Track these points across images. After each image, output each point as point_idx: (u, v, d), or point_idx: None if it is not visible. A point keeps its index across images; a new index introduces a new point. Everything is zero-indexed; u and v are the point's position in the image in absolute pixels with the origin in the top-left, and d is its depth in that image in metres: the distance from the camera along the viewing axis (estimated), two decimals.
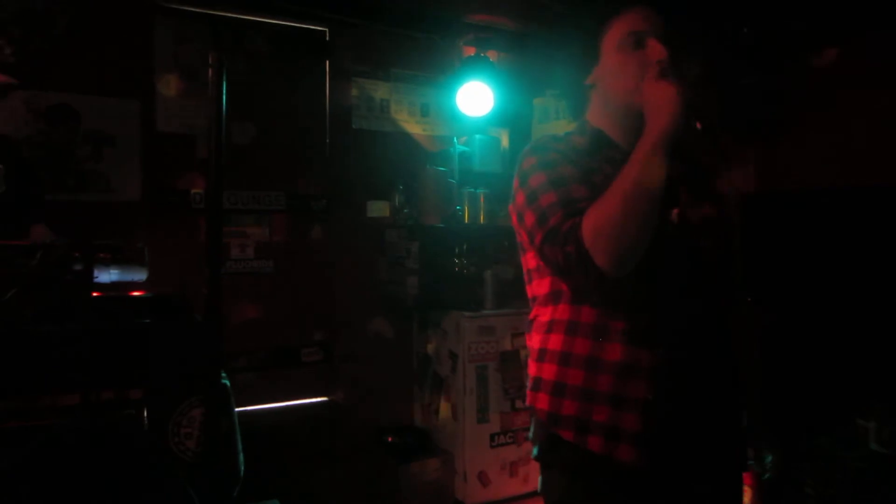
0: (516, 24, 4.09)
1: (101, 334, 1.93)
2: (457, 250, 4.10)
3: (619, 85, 1.55)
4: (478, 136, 4.31)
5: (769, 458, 2.93)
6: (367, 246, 4.04)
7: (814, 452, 2.92)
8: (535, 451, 1.63)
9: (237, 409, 2.27)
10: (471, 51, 4.15)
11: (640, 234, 1.36)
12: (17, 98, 2.65)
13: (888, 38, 3.17)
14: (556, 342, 1.56)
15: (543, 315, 1.62)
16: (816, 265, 3.22)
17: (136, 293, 2.15)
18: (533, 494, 3.94)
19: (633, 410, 1.46)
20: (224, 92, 1.95)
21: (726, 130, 3.03)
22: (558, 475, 1.58)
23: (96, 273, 1.97)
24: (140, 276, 2.14)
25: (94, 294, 1.99)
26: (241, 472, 2.19)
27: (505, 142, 4.49)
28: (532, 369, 1.63)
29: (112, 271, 2.02)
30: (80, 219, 3.10)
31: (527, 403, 1.64)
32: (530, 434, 1.67)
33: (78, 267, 1.89)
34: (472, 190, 4.13)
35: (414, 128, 4.20)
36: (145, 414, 1.95)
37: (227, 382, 2.17)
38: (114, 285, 2.06)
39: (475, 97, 4.03)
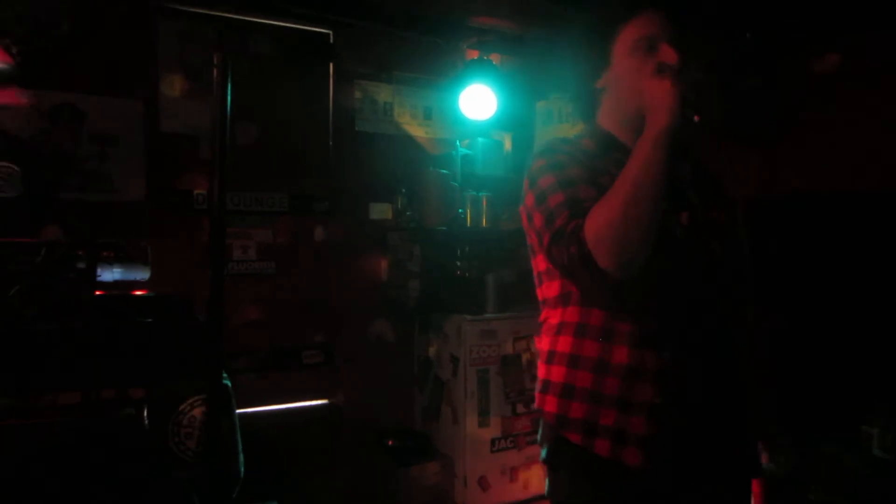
0: (520, 27, 4.09)
1: (103, 333, 1.92)
2: (459, 253, 4.09)
3: (630, 88, 1.55)
4: (481, 140, 4.31)
5: (781, 460, 2.93)
6: (369, 248, 4.03)
7: (817, 457, 2.92)
8: (543, 453, 1.64)
9: (238, 411, 2.27)
10: (474, 54, 4.15)
11: (642, 235, 1.36)
12: (20, 97, 2.65)
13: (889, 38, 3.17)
14: (564, 344, 1.57)
15: (553, 317, 1.64)
16: (821, 269, 3.22)
17: (138, 292, 2.15)
18: (533, 500, 3.94)
19: (639, 414, 1.46)
20: (229, 93, 1.95)
21: (729, 134, 3.03)
22: (565, 478, 1.59)
23: (99, 271, 1.97)
24: (143, 275, 2.14)
25: (97, 293, 1.99)
26: (241, 473, 2.18)
27: (508, 145, 4.49)
28: (541, 371, 1.64)
29: (115, 270, 2.02)
30: (84, 218, 3.10)
31: (535, 406, 1.65)
32: (538, 436, 1.68)
33: (81, 265, 1.89)
34: (475, 193, 4.13)
35: (417, 130, 4.20)
36: (146, 413, 1.94)
37: (229, 383, 2.16)
38: (116, 284, 2.05)
39: (478, 100, 4.03)
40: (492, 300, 3.97)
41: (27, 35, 2.92)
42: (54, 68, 3.11)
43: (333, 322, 3.88)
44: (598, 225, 1.36)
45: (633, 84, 1.54)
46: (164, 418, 1.99)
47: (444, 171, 4.06)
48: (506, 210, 4.20)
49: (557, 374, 1.58)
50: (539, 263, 1.68)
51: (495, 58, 4.20)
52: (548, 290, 1.66)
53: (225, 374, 2.12)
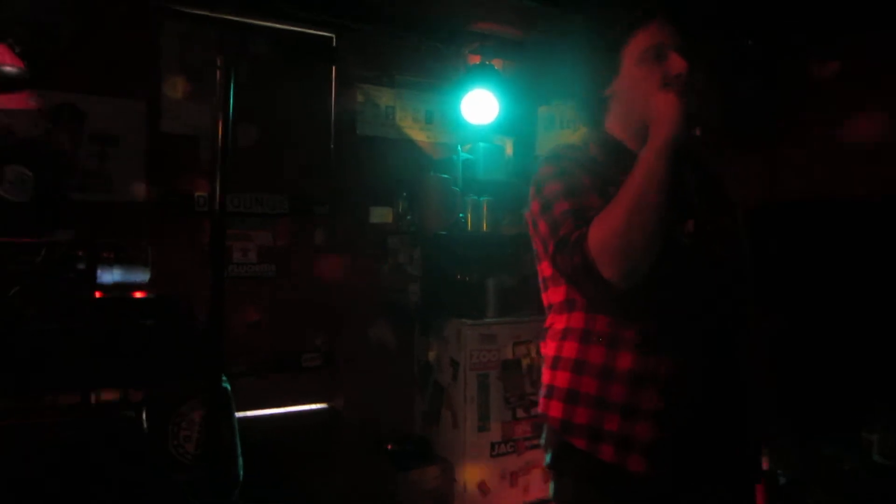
0: (522, 32, 4.09)
1: (103, 334, 1.92)
2: (459, 257, 4.09)
3: (640, 97, 1.56)
4: (482, 144, 4.31)
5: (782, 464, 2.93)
6: (370, 252, 4.03)
7: (817, 461, 2.91)
8: (547, 458, 1.64)
9: (237, 414, 2.26)
10: (476, 59, 4.15)
11: (645, 245, 1.36)
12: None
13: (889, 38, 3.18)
14: (569, 350, 1.58)
15: (558, 323, 1.64)
16: (822, 273, 3.22)
17: (138, 294, 2.14)
18: None
19: (644, 420, 1.47)
20: (231, 95, 1.95)
21: (729, 136, 3.03)
22: (570, 483, 1.59)
23: (99, 273, 1.97)
24: (143, 277, 2.14)
25: (97, 294, 1.98)
26: (240, 477, 2.18)
27: (509, 150, 4.48)
28: (546, 377, 1.64)
29: (115, 271, 2.02)
30: (83, 218, 3.09)
31: (539, 411, 1.65)
32: (542, 441, 1.68)
33: (81, 266, 1.89)
34: (476, 198, 4.12)
35: (418, 135, 4.20)
36: (145, 416, 1.94)
37: (228, 386, 2.16)
38: (116, 286, 2.05)
39: (480, 105, 4.03)
40: (492, 304, 3.96)
41: (28, 35, 2.92)
42: (55, 68, 3.11)
43: (333, 325, 3.87)
44: (602, 235, 1.37)
45: (641, 93, 1.55)
46: (163, 421, 1.99)
47: (445, 176, 4.05)
48: (507, 215, 4.19)
49: (562, 379, 1.58)
50: (544, 269, 1.69)
51: (497, 63, 4.20)
52: (553, 295, 1.67)
53: (224, 377, 2.12)
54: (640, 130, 1.56)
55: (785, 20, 3.25)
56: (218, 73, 1.96)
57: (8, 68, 2.50)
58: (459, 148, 4.25)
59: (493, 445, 3.79)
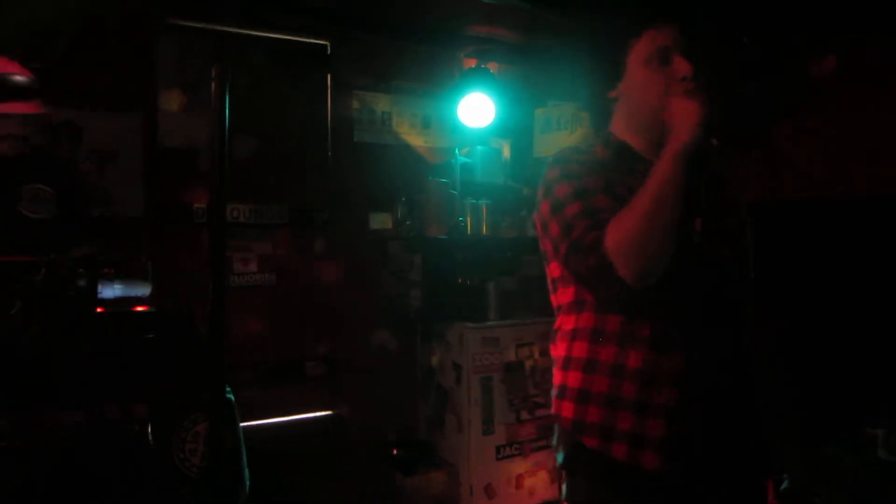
0: (517, 35, 4.10)
1: (105, 350, 1.92)
2: (459, 261, 4.09)
3: (645, 99, 1.59)
4: (479, 148, 4.31)
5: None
6: (370, 258, 4.03)
7: (822, 460, 2.91)
8: (559, 458, 1.66)
9: (241, 425, 2.26)
10: (471, 62, 4.16)
11: (662, 246, 1.40)
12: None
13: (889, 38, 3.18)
14: (580, 350, 1.59)
15: (567, 323, 1.65)
16: (824, 273, 3.22)
17: (139, 308, 2.15)
18: None
19: (656, 417, 1.49)
20: (227, 106, 1.95)
21: (729, 137, 3.03)
22: (583, 483, 1.61)
23: (100, 288, 1.97)
24: (143, 291, 2.14)
25: (98, 310, 1.99)
26: (247, 488, 2.18)
27: (507, 152, 4.49)
28: (557, 378, 1.66)
29: (116, 286, 2.02)
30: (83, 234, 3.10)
31: (551, 411, 1.67)
32: (554, 441, 1.70)
33: (82, 282, 1.89)
34: (475, 201, 4.13)
35: (415, 140, 4.20)
36: (149, 430, 1.94)
37: (232, 397, 2.16)
38: (117, 300, 2.05)
39: (476, 108, 4.04)
40: (493, 307, 3.96)
41: (25, 51, 2.93)
42: (53, 84, 3.11)
43: (335, 333, 3.87)
44: (619, 237, 1.39)
45: (647, 95, 1.58)
46: (168, 434, 1.99)
47: (444, 180, 4.06)
48: (506, 217, 4.20)
49: (574, 379, 1.60)
50: (553, 270, 1.70)
51: (493, 66, 4.21)
52: (562, 296, 1.68)
53: (228, 388, 2.12)
54: (645, 131, 1.61)
55: (785, 20, 3.26)
56: (213, 84, 1.96)
57: (18, 78, 2.52)
58: (457, 152, 4.25)
59: (498, 448, 3.79)
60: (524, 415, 3.88)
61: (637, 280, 1.39)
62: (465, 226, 4.08)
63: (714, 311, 1.55)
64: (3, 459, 1.73)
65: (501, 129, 4.33)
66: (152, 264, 2.28)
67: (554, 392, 1.67)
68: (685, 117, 1.44)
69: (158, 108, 3.41)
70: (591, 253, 1.43)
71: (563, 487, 1.67)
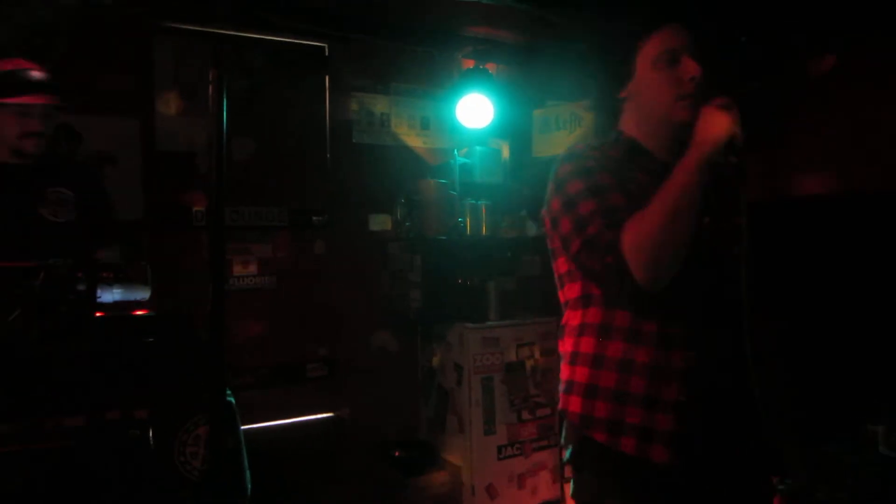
0: (515, 36, 4.10)
1: (105, 355, 1.92)
2: (459, 262, 4.09)
3: (655, 100, 1.61)
4: (478, 148, 4.31)
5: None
6: (370, 260, 4.04)
7: (822, 458, 2.91)
8: (567, 453, 1.67)
9: (242, 427, 2.26)
10: (470, 63, 4.16)
11: (677, 250, 1.42)
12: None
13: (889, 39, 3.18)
14: (587, 345, 1.61)
15: (574, 319, 1.67)
16: (823, 272, 3.22)
17: (139, 312, 2.14)
18: None
19: (665, 412, 1.51)
20: (225, 108, 1.95)
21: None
22: (591, 478, 1.62)
23: (99, 293, 1.97)
24: (143, 294, 2.14)
25: (98, 314, 1.99)
26: (249, 491, 2.18)
27: (505, 153, 4.49)
28: (564, 373, 1.68)
29: (115, 291, 2.02)
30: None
31: (559, 407, 1.68)
32: (562, 438, 1.70)
33: (81, 287, 1.89)
34: (474, 201, 4.13)
35: (414, 141, 4.21)
36: (150, 434, 1.94)
37: (233, 400, 2.16)
38: (117, 304, 2.05)
39: (475, 109, 4.04)
40: (494, 308, 3.96)
41: (24, 55, 2.93)
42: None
43: (336, 335, 3.88)
44: (637, 239, 1.42)
45: (656, 96, 1.60)
46: (169, 438, 1.98)
47: (443, 181, 4.06)
48: (505, 218, 4.20)
49: (581, 374, 1.61)
50: (560, 266, 1.71)
51: (491, 67, 4.21)
52: (569, 291, 1.69)
53: (228, 391, 2.12)
54: (655, 130, 1.64)
55: (785, 20, 3.25)
56: (211, 87, 1.96)
57: (34, 73, 2.55)
58: (456, 152, 4.26)
59: (499, 448, 3.79)
60: (525, 415, 3.88)
61: (649, 282, 1.42)
62: (465, 226, 4.09)
63: (722, 308, 1.57)
64: (4, 463, 1.73)
65: (500, 130, 4.34)
66: (152, 267, 2.28)
67: (561, 387, 1.68)
68: (714, 128, 1.45)
69: (157, 111, 3.42)
70: (607, 252, 1.45)
71: (571, 483, 1.68)
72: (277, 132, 3.73)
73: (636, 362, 1.53)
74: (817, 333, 3.19)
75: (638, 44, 1.61)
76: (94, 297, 1.93)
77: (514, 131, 4.46)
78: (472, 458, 3.73)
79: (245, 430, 2.26)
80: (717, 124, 1.46)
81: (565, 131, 4.19)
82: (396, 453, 3.86)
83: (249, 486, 2.18)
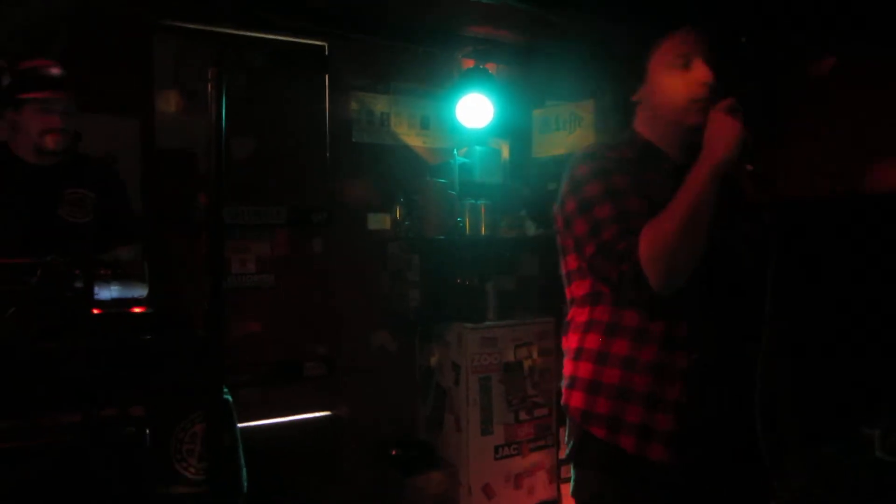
0: (515, 36, 4.10)
1: (102, 352, 1.92)
2: (458, 262, 4.09)
3: (667, 103, 1.62)
4: (478, 148, 4.31)
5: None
6: (369, 259, 4.04)
7: (821, 460, 2.91)
8: (568, 448, 1.69)
9: (240, 425, 2.26)
10: (470, 63, 4.16)
11: (692, 257, 1.44)
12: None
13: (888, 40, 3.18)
14: (592, 342, 1.63)
15: (580, 316, 1.68)
16: (823, 273, 3.22)
17: (136, 309, 2.14)
18: None
19: (666, 412, 1.52)
20: (224, 107, 1.96)
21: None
22: (590, 474, 1.64)
23: (97, 290, 1.97)
24: (140, 292, 2.14)
25: (95, 311, 1.99)
26: (245, 489, 2.18)
27: (505, 153, 4.49)
28: (568, 369, 1.69)
29: (112, 288, 2.02)
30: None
31: (562, 402, 1.70)
32: (567, 436, 1.72)
33: (78, 284, 1.89)
34: (473, 201, 4.13)
35: (414, 140, 4.21)
36: (147, 431, 1.94)
37: (230, 398, 2.16)
38: (114, 302, 2.05)
39: (475, 109, 4.03)
40: (492, 308, 3.97)
41: (22, 54, 2.93)
42: None
43: (334, 333, 3.88)
44: (653, 248, 1.43)
45: (668, 99, 1.61)
46: (165, 435, 1.99)
47: (442, 180, 4.06)
48: (504, 218, 4.20)
49: (584, 370, 1.63)
50: (569, 263, 1.72)
51: (491, 67, 4.21)
52: (577, 289, 1.70)
53: (225, 389, 2.12)
54: (668, 133, 1.65)
55: (785, 20, 3.25)
56: (210, 85, 1.96)
57: (54, 70, 2.59)
58: (455, 152, 4.25)
59: (496, 448, 3.80)
60: (523, 415, 3.89)
61: (664, 287, 1.44)
62: (464, 226, 4.09)
63: (729, 311, 1.59)
64: (1, 461, 1.73)
65: (500, 130, 4.33)
66: (149, 265, 2.29)
67: (564, 383, 1.70)
68: (724, 134, 1.46)
69: (156, 109, 3.42)
70: (623, 260, 1.46)
71: (571, 482, 1.69)
72: (277, 131, 3.73)
73: (640, 361, 1.55)
74: (815, 335, 3.19)
75: (651, 46, 1.63)
76: (92, 294, 1.93)
77: (514, 131, 4.45)
78: (469, 458, 3.74)
79: (242, 429, 2.27)
80: (727, 130, 1.46)
81: (565, 131, 4.19)
82: (394, 452, 3.87)
83: (246, 484, 2.19)
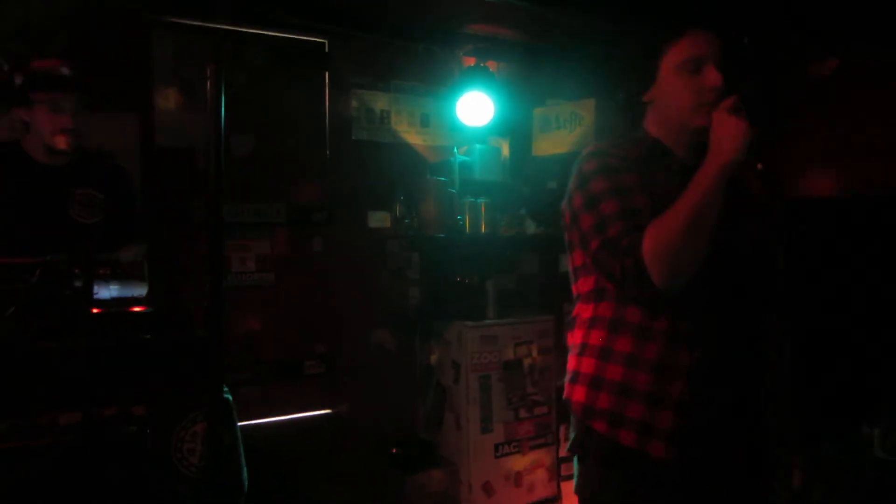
0: (516, 34, 4.09)
1: (102, 351, 1.92)
2: (458, 260, 4.09)
3: (676, 105, 1.63)
4: (478, 146, 4.31)
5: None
6: (369, 257, 4.03)
7: (820, 460, 2.91)
8: (569, 442, 1.71)
9: (240, 424, 2.26)
10: (470, 61, 4.15)
11: (696, 255, 1.44)
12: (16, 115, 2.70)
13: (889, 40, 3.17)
14: (597, 338, 1.64)
15: (585, 312, 1.69)
16: (823, 271, 3.22)
17: (136, 308, 2.14)
18: None
19: (667, 409, 1.53)
20: (223, 105, 1.95)
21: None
22: (594, 467, 1.64)
23: (96, 289, 1.97)
24: (140, 291, 2.14)
25: (94, 310, 1.99)
26: (245, 487, 2.18)
27: (505, 151, 4.49)
28: (571, 364, 1.71)
29: (112, 287, 2.02)
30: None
31: (564, 396, 1.72)
32: (569, 430, 1.74)
33: (77, 283, 1.89)
34: (473, 199, 4.12)
35: (414, 138, 4.20)
36: (147, 430, 1.94)
37: (230, 396, 2.16)
38: (114, 301, 2.05)
39: (475, 107, 4.03)
40: (492, 306, 3.97)
41: (22, 51, 2.93)
42: None
43: (334, 332, 3.87)
44: (657, 246, 1.43)
45: (677, 101, 1.62)
46: (166, 434, 1.99)
47: (442, 178, 4.06)
48: (504, 216, 4.19)
49: (587, 365, 1.64)
50: (575, 259, 1.73)
51: (492, 65, 4.20)
52: (583, 285, 1.71)
53: (225, 388, 2.12)
54: (677, 133, 1.65)
55: (785, 20, 3.25)
56: (209, 82, 1.96)
57: (64, 70, 2.60)
58: (455, 150, 4.25)
59: (496, 446, 3.80)
60: (522, 413, 3.89)
61: (666, 285, 1.44)
62: (464, 224, 4.09)
63: (733, 310, 1.59)
64: (1, 461, 1.73)
65: (500, 128, 4.33)
66: (149, 264, 2.28)
67: (567, 377, 1.71)
68: (730, 135, 1.46)
69: (155, 107, 3.41)
70: (626, 256, 1.46)
71: (575, 473, 1.71)
72: (277, 129, 3.72)
73: (643, 358, 1.55)
74: (817, 334, 3.19)
75: (663, 47, 1.63)
76: (91, 293, 1.93)
77: (515, 129, 4.45)
78: (469, 456, 3.74)
79: (242, 427, 2.27)
80: (732, 130, 1.46)
81: (565, 130, 4.19)
82: (394, 450, 3.87)
83: (246, 482, 2.19)
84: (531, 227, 4.23)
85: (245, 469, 2.19)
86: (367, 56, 4.00)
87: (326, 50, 3.86)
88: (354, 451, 3.85)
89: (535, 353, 3.94)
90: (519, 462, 3.88)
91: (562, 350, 3.97)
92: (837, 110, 3.38)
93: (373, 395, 3.96)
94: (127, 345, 1.99)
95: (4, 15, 2.97)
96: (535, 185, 4.39)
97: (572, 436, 1.70)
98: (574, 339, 1.72)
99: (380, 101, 4.07)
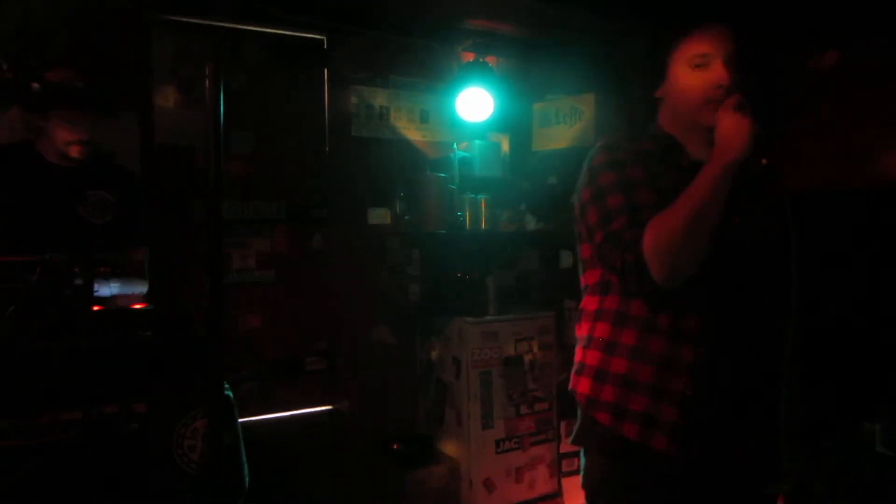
0: (515, 29, 4.08)
1: (103, 349, 1.92)
2: (458, 256, 4.09)
3: (685, 102, 1.63)
4: (478, 142, 4.30)
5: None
6: (369, 254, 4.03)
7: (821, 455, 2.91)
8: (573, 434, 1.71)
9: (241, 420, 2.27)
10: (470, 56, 4.15)
11: (697, 253, 1.44)
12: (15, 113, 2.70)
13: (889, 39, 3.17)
14: (602, 330, 1.64)
15: (591, 304, 1.70)
16: (823, 269, 3.22)
17: (136, 306, 2.14)
18: (538, 500, 3.94)
19: (670, 403, 1.53)
20: (222, 102, 1.95)
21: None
22: (598, 459, 1.65)
23: (96, 287, 1.97)
24: (140, 289, 2.15)
25: (95, 308, 1.99)
26: (246, 484, 2.18)
27: (505, 147, 4.48)
28: (577, 355, 1.72)
29: (112, 285, 2.02)
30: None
31: (569, 387, 1.72)
32: (576, 424, 1.74)
33: (78, 282, 1.89)
34: (473, 195, 4.12)
35: (414, 134, 4.19)
36: (148, 428, 1.94)
37: (230, 394, 2.16)
38: (114, 299, 2.05)
39: (475, 103, 4.02)
40: (492, 302, 3.97)
41: (21, 50, 2.93)
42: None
43: (335, 328, 3.87)
44: (658, 241, 1.43)
45: (686, 98, 1.62)
46: (167, 432, 1.99)
47: (442, 175, 4.05)
48: (504, 212, 4.19)
49: (592, 357, 1.65)
50: (583, 251, 1.73)
51: (491, 60, 4.19)
52: (589, 277, 1.72)
53: (226, 385, 2.12)
54: (687, 130, 1.65)
55: (785, 18, 3.24)
56: (208, 80, 1.96)
57: (78, 83, 2.62)
58: (455, 146, 4.24)
59: (497, 442, 3.81)
60: (523, 409, 3.89)
61: (666, 281, 1.44)
62: (464, 220, 4.08)
63: (741, 307, 1.58)
64: (1, 459, 1.73)
65: (500, 124, 4.32)
66: (149, 262, 2.29)
67: (573, 369, 1.72)
68: (734, 132, 1.46)
69: (154, 105, 3.40)
70: (627, 250, 1.46)
71: (580, 466, 1.71)
72: (276, 126, 3.72)
73: (648, 352, 1.56)
74: (815, 330, 3.19)
75: (672, 43, 1.63)
76: (91, 291, 1.93)
77: (514, 125, 4.44)
78: (469, 452, 3.75)
79: (243, 424, 2.27)
80: (736, 127, 1.47)
81: (565, 125, 4.18)
82: (395, 447, 3.87)
83: (247, 479, 2.19)
84: (531, 223, 4.23)
85: (246, 465, 2.20)
86: (366, 52, 3.99)
87: (325, 46, 3.85)
88: (355, 447, 3.85)
89: (535, 349, 3.95)
90: (520, 458, 3.88)
91: (563, 346, 4.00)
92: (837, 109, 3.38)
93: (373, 392, 3.97)
94: (127, 343, 1.99)
95: (4, 15, 2.97)
96: (536, 180, 4.39)
97: (576, 427, 1.70)
98: (581, 331, 1.73)
99: (379, 98, 4.07)
